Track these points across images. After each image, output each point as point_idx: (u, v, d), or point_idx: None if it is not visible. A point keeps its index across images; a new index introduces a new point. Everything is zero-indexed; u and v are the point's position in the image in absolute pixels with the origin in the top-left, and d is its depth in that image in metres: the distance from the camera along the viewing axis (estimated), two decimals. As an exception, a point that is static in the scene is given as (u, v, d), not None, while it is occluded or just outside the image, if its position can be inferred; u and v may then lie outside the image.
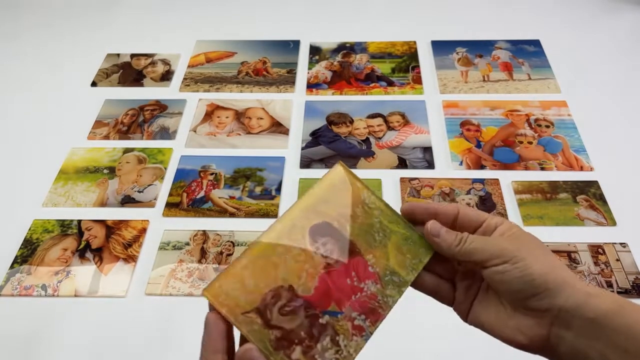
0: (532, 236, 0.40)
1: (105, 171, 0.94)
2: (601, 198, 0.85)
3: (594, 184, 0.87)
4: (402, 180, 0.89)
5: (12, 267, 0.79)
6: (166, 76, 1.14)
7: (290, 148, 0.97)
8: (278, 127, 1.01)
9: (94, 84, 1.13)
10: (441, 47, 1.18)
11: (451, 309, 0.43)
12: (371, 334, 0.37)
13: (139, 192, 0.90)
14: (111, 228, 0.84)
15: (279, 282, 0.37)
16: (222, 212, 0.86)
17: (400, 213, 0.44)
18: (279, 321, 0.36)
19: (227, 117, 1.04)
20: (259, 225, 0.84)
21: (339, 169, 0.44)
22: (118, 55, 1.21)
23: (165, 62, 1.18)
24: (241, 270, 0.37)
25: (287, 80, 1.12)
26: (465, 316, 0.42)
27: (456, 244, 0.40)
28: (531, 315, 0.37)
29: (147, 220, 0.85)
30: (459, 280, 0.43)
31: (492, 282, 0.39)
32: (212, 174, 0.92)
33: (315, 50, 1.19)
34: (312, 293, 0.37)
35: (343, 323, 0.37)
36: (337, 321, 0.37)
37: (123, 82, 1.14)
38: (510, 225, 0.40)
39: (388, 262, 0.41)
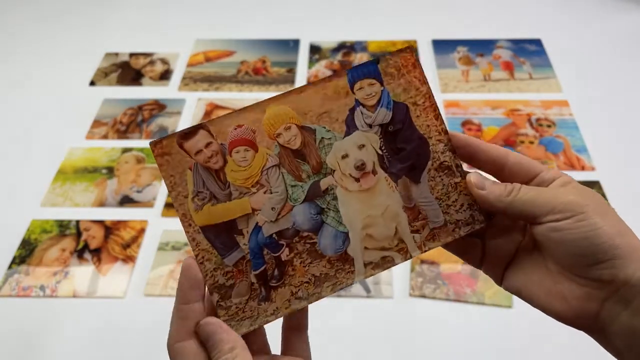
0: (596, 193, 0.33)
1: (104, 171, 0.93)
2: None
3: (595, 184, 0.87)
4: (403, 180, 0.89)
5: (10, 267, 0.79)
6: (165, 75, 1.14)
7: (290, 148, 0.96)
8: (278, 127, 1.01)
9: (92, 83, 1.13)
10: (442, 46, 1.17)
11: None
12: None
13: (137, 192, 0.89)
14: (110, 228, 0.84)
15: None
16: (222, 213, 0.86)
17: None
18: None
19: (226, 117, 1.03)
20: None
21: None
22: (117, 54, 1.20)
23: (164, 61, 1.17)
24: None
25: (287, 80, 1.11)
26: (500, 280, 0.36)
27: (506, 194, 0.33)
28: (584, 285, 0.31)
29: (146, 221, 0.84)
30: (491, 238, 0.37)
31: (546, 241, 0.32)
32: (211, 173, 0.92)
33: (315, 50, 1.19)
34: None
35: None
36: None
37: (122, 81, 1.13)
38: (569, 179, 0.33)
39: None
